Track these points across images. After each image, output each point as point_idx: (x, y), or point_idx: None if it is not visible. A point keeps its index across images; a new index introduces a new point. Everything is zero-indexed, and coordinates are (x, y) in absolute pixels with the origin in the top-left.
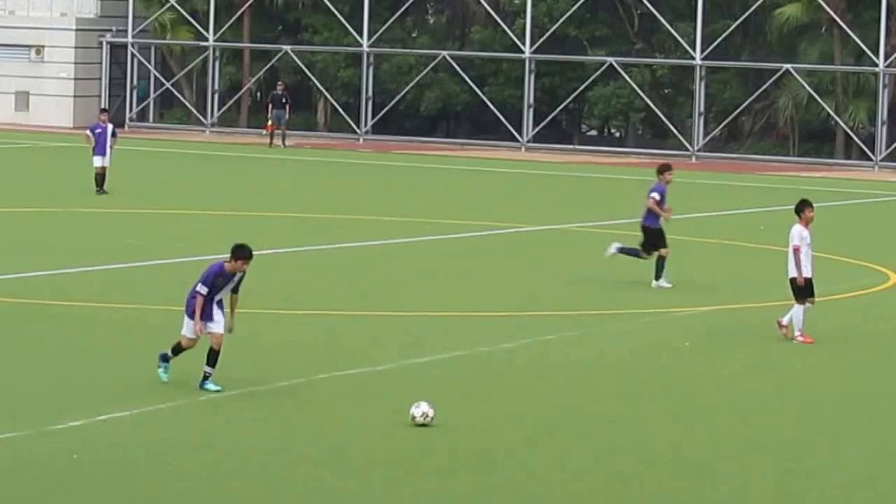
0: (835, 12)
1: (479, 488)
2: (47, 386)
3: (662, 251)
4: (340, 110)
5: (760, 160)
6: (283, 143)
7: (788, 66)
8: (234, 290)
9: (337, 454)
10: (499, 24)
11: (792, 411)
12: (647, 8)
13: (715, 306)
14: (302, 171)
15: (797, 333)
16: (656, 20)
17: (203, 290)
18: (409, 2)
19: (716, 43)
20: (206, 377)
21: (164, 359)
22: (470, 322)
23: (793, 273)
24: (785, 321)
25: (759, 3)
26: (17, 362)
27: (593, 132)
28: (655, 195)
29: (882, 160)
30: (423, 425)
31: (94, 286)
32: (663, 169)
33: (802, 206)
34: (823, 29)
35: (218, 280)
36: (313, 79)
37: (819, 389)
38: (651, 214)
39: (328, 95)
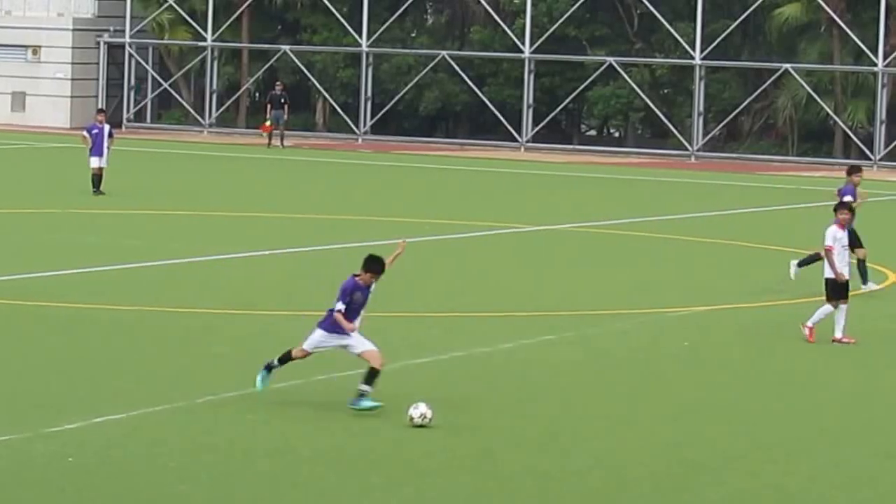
0: (834, 12)
1: (480, 489)
2: (44, 388)
3: (860, 252)
4: (339, 110)
5: (760, 160)
6: (282, 144)
7: (788, 65)
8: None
9: (337, 455)
10: (498, 24)
11: (791, 411)
12: (647, 8)
13: (714, 306)
14: (301, 171)
15: (809, 324)
16: (656, 20)
17: (341, 306)
18: (409, 2)
19: (715, 43)
20: (361, 394)
21: (268, 368)
22: (469, 322)
23: (827, 273)
24: (839, 334)
25: (758, 3)
26: (14, 364)
27: (593, 132)
28: (847, 198)
29: (881, 159)
30: (421, 426)
31: (91, 287)
32: (852, 170)
33: (837, 208)
34: (822, 29)
35: (356, 295)
36: (312, 79)
37: (819, 389)
38: None
39: (327, 96)
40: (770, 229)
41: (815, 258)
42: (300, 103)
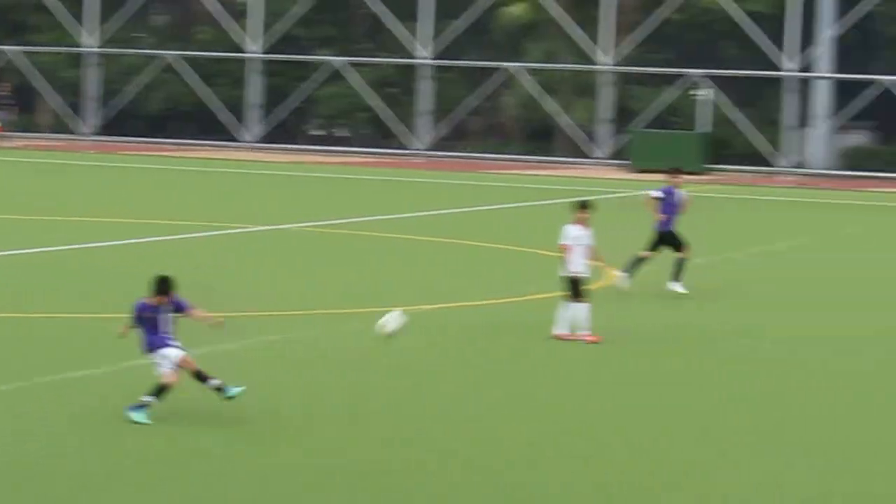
0: (560, 11)
1: (192, 485)
2: None
3: (684, 253)
4: (65, 111)
5: (485, 159)
6: (6, 145)
7: (514, 65)
8: (185, 311)
9: (44, 462)
10: (225, 24)
11: (525, 409)
12: (375, 8)
13: (440, 305)
14: (25, 172)
15: (584, 333)
16: (383, 21)
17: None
18: (136, 2)
19: (442, 42)
20: (139, 405)
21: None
22: (193, 324)
23: (564, 271)
24: (562, 330)
25: (485, 3)
26: None
27: (320, 132)
28: (654, 192)
29: (604, 158)
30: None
31: None
32: (673, 172)
33: (575, 207)
34: (549, 28)
35: (147, 314)
36: (37, 80)
37: (549, 385)
38: (662, 219)
39: (53, 96)
40: (495, 228)
41: (638, 262)
42: (25, 104)
